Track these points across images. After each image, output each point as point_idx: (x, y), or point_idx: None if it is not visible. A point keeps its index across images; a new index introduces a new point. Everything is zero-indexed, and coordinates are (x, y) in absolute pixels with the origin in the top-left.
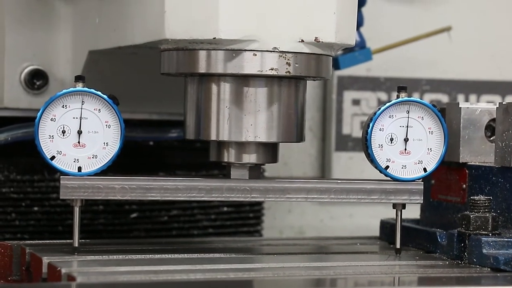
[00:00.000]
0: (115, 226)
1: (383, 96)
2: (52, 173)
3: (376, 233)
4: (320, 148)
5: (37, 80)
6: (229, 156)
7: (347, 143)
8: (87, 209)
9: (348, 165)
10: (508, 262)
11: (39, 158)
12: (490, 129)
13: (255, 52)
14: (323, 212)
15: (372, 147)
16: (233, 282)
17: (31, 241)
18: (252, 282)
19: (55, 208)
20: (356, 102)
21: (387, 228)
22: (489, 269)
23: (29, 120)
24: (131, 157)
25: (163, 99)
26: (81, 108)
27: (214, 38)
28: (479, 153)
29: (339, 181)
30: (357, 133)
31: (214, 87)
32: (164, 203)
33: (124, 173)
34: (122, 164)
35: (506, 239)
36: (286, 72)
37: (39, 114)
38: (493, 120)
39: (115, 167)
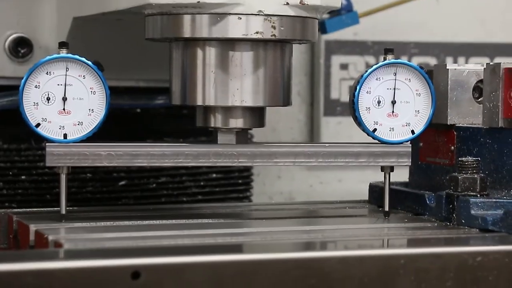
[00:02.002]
0: (103, 194)
1: (371, 60)
2: (39, 142)
3: (365, 197)
4: (309, 113)
5: (21, 48)
6: (216, 121)
7: (336, 108)
8: (75, 177)
9: (337, 130)
10: (496, 223)
11: (26, 126)
12: (477, 90)
13: (240, 16)
14: (312, 178)
15: (360, 110)
16: (221, 246)
17: (18, 209)
18: (240, 247)
19: (43, 176)
20: (344, 66)
21: (376, 191)
22: (477, 230)
23: (14, 89)
24: (118, 125)
25: (150, 66)
26: (66, 75)
27: (198, 1)
28: (467, 114)
29: (326, 144)
30: (346, 97)
31: (199, 52)
32: (152, 170)
33: (111, 141)
34: (109, 132)
35: (494, 200)
36: (271, 36)
37: (23, 81)
38: (481, 81)
39: (102, 135)
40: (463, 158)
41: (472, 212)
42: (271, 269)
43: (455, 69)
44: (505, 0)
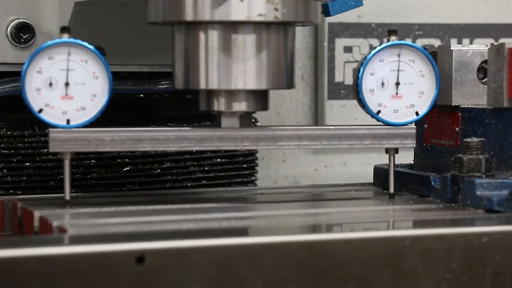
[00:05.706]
0: (107, 180)
1: (375, 42)
2: (43, 128)
3: (370, 180)
4: (313, 97)
5: (23, 33)
6: (219, 104)
7: (340, 91)
8: (79, 164)
9: (341, 113)
10: (502, 203)
11: (29, 113)
12: (482, 71)
13: None
14: (317, 161)
15: (363, 92)
16: (226, 230)
17: (22, 196)
18: (245, 230)
19: (47, 163)
20: (348, 49)
21: (380, 174)
22: (483, 210)
23: (17, 75)
24: (121, 110)
25: (153, 51)
26: (68, 60)
27: None
28: (471, 95)
29: (331, 127)
30: (350, 80)
31: (201, 35)
32: (156, 155)
33: (114, 126)
34: (113, 117)
35: (499, 180)
36: (274, 18)
37: (25, 66)
38: (485, 61)
39: (106, 121)
40: (467, 139)
41: (478, 193)
42: (276, 252)
43: (459, 50)
44: None
